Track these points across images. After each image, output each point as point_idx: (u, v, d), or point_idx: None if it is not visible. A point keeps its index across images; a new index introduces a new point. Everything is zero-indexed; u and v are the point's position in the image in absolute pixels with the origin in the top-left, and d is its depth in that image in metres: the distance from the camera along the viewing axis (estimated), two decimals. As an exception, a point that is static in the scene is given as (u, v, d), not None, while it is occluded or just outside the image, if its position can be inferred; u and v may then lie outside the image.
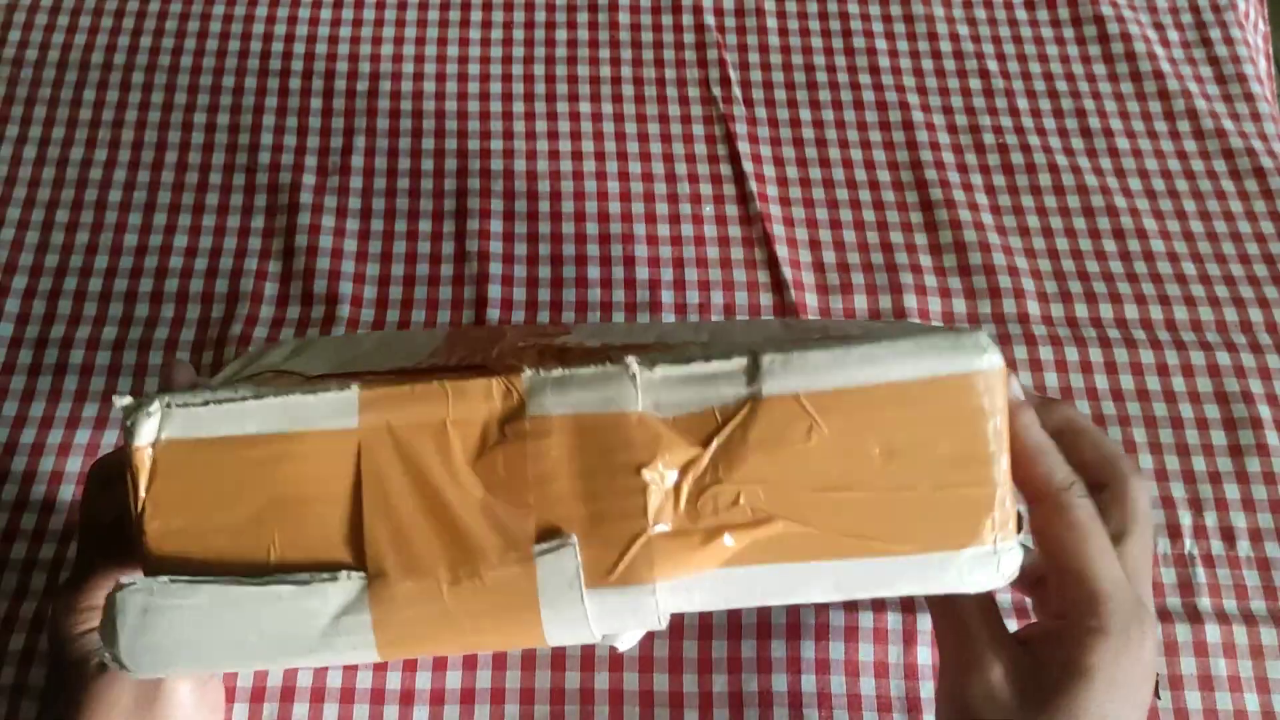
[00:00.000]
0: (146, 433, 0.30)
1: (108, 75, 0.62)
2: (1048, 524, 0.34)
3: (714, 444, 0.30)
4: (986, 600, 0.35)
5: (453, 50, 0.64)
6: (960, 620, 0.36)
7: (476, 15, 0.66)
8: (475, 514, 0.30)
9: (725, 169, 0.60)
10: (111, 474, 0.38)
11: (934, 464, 0.30)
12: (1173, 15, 0.67)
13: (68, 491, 0.50)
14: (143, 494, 0.30)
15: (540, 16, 0.65)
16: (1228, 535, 0.50)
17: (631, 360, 0.30)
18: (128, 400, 0.30)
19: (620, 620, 0.31)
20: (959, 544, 0.31)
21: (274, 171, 0.59)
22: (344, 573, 0.30)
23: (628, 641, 0.32)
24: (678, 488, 0.30)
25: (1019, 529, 0.32)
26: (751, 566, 0.31)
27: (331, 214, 0.58)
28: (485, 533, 0.30)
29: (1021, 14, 0.66)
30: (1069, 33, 0.66)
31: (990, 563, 0.31)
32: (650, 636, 0.47)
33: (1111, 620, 0.33)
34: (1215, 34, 0.66)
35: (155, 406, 0.30)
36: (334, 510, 0.30)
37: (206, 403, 0.30)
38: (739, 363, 0.30)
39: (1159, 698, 0.46)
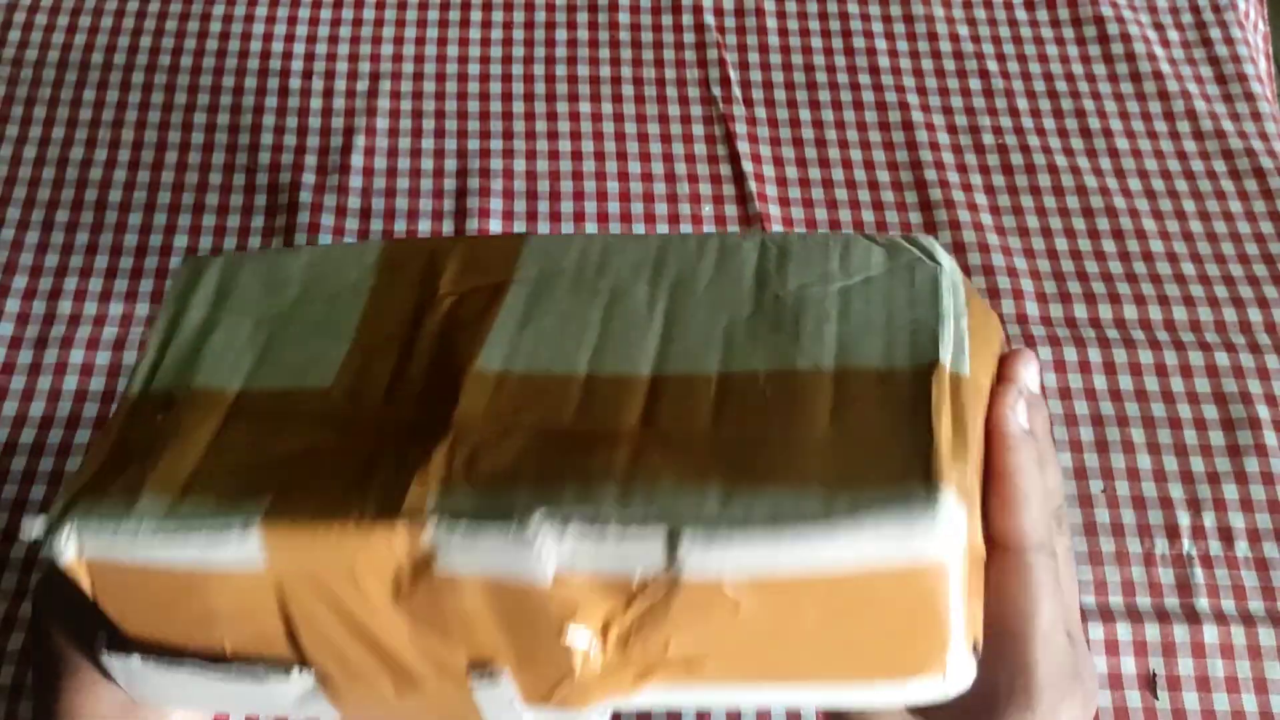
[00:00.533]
0: (68, 555, 0.30)
1: (108, 75, 0.62)
2: (1004, 577, 0.30)
3: (635, 606, 0.28)
4: None
5: (453, 50, 0.64)
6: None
7: (476, 15, 0.66)
8: (405, 645, 0.30)
9: (725, 169, 0.60)
10: None
11: (879, 630, 0.28)
12: (1173, 15, 0.67)
13: (67, 491, 0.50)
14: (89, 591, 0.31)
15: (540, 16, 0.66)
16: (1226, 536, 0.50)
17: (540, 527, 0.27)
18: (38, 530, 0.30)
19: None
20: (905, 675, 0.28)
21: (274, 171, 0.59)
22: (295, 670, 0.31)
23: None
24: (605, 634, 0.29)
25: (976, 651, 0.29)
26: (690, 684, 0.30)
27: (331, 214, 0.58)
28: (419, 662, 0.30)
29: (1021, 14, 0.66)
30: (1069, 33, 0.66)
31: (938, 686, 0.28)
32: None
33: (1040, 701, 0.30)
34: (1215, 34, 0.66)
35: (67, 534, 0.30)
36: (268, 622, 0.30)
37: (116, 533, 0.30)
38: (656, 537, 0.27)
39: (1156, 698, 0.46)
